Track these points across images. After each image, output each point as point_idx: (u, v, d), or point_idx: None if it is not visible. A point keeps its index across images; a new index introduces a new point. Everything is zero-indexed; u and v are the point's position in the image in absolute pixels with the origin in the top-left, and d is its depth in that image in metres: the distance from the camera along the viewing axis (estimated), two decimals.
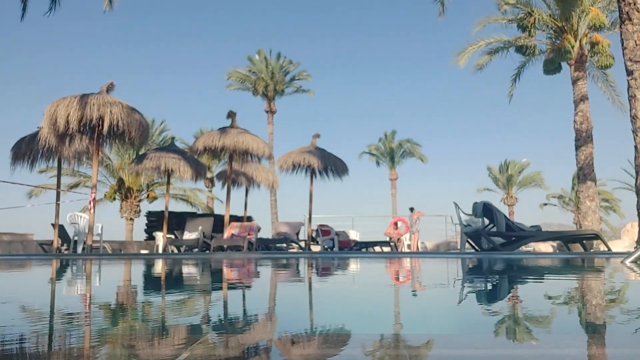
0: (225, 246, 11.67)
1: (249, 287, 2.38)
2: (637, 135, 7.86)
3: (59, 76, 43.20)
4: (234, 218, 14.35)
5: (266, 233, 16.20)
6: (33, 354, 0.92)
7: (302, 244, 13.59)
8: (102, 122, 9.38)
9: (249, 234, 11.67)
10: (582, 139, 14.92)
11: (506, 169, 36.81)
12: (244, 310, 1.53)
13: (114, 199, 25.52)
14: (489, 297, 1.85)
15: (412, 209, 16.38)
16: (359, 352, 0.90)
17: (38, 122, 10.05)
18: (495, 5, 16.25)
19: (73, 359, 0.87)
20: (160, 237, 12.69)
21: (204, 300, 1.77)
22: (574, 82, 15.48)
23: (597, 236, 9.72)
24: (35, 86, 44.11)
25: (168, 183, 13.09)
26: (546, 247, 14.39)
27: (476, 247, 9.02)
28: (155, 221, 16.72)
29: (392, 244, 14.73)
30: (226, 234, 11.98)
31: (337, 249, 13.24)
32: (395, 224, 15.82)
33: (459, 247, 12.58)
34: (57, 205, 11.29)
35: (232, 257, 6.03)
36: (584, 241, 9.70)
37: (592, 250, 10.35)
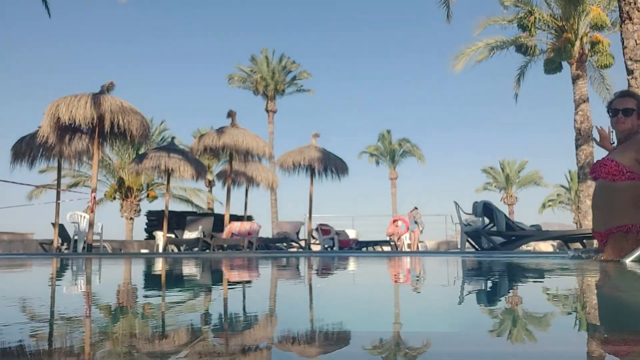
0: (225, 245, 11.68)
1: (249, 285, 2.38)
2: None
3: (59, 75, 43.20)
4: (234, 217, 14.36)
5: (266, 232, 16.21)
6: (33, 352, 0.93)
7: (302, 243, 13.60)
8: (103, 121, 9.39)
9: (249, 233, 11.68)
10: (583, 138, 14.93)
11: (505, 168, 36.84)
12: (245, 308, 1.54)
13: (114, 198, 25.53)
14: (488, 295, 1.85)
15: (416, 208, 16.34)
16: (359, 350, 0.90)
17: (38, 120, 10.06)
18: (497, 3, 16.26)
19: (72, 357, 0.87)
20: (160, 236, 12.70)
21: (205, 299, 1.78)
22: (575, 81, 15.49)
23: None
24: (34, 84, 44.11)
25: (168, 182, 13.11)
26: (546, 246, 14.39)
27: (476, 247, 9.03)
28: (155, 220, 16.74)
29: (392, 243, 14.74)
30: (226, 233, 11.98)
31: (337, 248, 13.25)
32: (396, 223, 15.82)
33: (459, 246, 12.58)
34: (57, 204, 11.30)
35: (232, 256, 6.03)
36: (584, 240, 9.70)
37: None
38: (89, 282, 2.72)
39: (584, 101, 15.15)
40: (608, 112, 3.33)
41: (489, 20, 16.59)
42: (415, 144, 35.43)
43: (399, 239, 15.26)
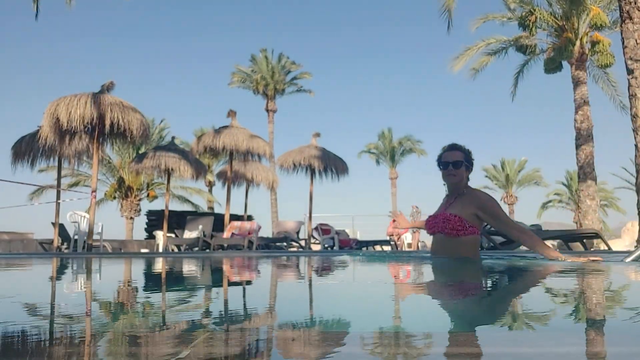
0: (225, 245, 11.68)
1: (249, 283, 2.38)
2: (637, 134, 7.87)
3: (59, 74, 43.18)
4: (234, 217, 14.36)
5: (266, 232, 16.21)
6: (33, 352, 0.93)
7: (302, 242, 13.60)
8: (103, 121, 9.38)
9: (249, 233, 11.68)
10: (583, 138, 14.93)
11: (505, 167, 36.79)
12: (244, 306, 1.54)
13: (114, 198, 25.54)
14: (487, 294, 1.85)
15: (416, 207, 16.29)
16: (358, 349, 0.90)
17: (38, 120, 10.06)
18: (498, 3, 16.27)
19: (72, 356, 0.87)
20: (160, 236, 12.70)
21: (204, 297, 1.78)
22: (575, 81, 15.49)
23: (597, 235, 9.72)
24: (34, 84, 44.11)
25: (168, 182, 13.10)
26: None
27: None
28: (155, 220, 16.74)
29: (392, 243, 14.73)
30: (226, 233, 11.98)
31: (337, 248, 13.25)
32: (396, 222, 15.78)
33: None
34: (58, 204, 11.30)
35: (232, 256, 6.04)
36: (584, 240, 9.70)
37: (592, 249, 10.35)
38: (88, 281, 2.73)
39: (584, 100, 15.15)
40: (438, 165, 3.44)
41: (489, 16, 16.58)
42: (417, 139, 35.43)
43: (399, 238, 15.25)
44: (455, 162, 3.35)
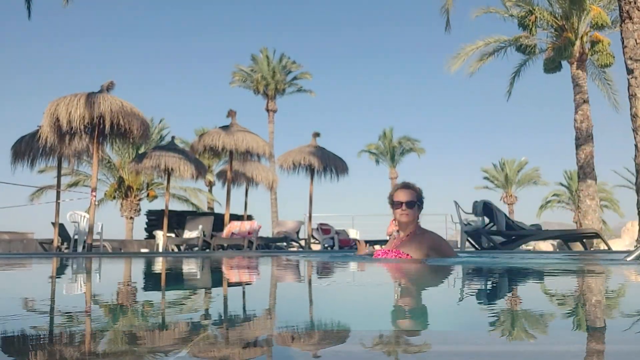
0: (225, 245, 11.67)
1: (249, 284, 2.38)
2: (637, 134, 7.86)
3: (59, 74, 43.18)
4: (234, 217, 14.34)
5: (266, 232, 16.20)
6: (32, 352, 0.93)
7: (302, 242, 13.59)
8: (103, 121, 9.37)
9: (249, 233, 11.67)
10: (583, 137, 14.92)
11: (504, 167, 36.73)
12: (244, 305, 1.54)
13: (114, 197, 25.52)
14: (487, 294, 1.86)
15: None
16: (357, 348, 0.90)
17: (38, 120, 10.06)
18: (499, 4, 16.25)
19: (72, 355, 0.87)
20: (160, 236, 12.69)
21: (205, 296, 1.78)
22: (575, 80, 15.48)
23: (597, 235, 9.72)
24: (34, 84, 44.12)
25: (168, 182, 13.09)
26: (546, 245, 14.40)
27: (476, 246, 9.02)
28: (155, 220, 16.72)
29: None
30: (226, 233, 11.97)
31: (337, 247, 13.24)
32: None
33: (459, 245, 12.58)
34: (57, 204, 11.29)
35: (232, 256, 6.04)
36: (584, 240, 9.70)
37: (592, 249, 10.35)
38: (88, 281, 2.73)
39: (584, 100, 15.15)
40: (391, 204, 3.45)
41: (490, 9, 16.52)
42: (416, 139, 35.36)
43: None
44: (407, 202, 3.37)
